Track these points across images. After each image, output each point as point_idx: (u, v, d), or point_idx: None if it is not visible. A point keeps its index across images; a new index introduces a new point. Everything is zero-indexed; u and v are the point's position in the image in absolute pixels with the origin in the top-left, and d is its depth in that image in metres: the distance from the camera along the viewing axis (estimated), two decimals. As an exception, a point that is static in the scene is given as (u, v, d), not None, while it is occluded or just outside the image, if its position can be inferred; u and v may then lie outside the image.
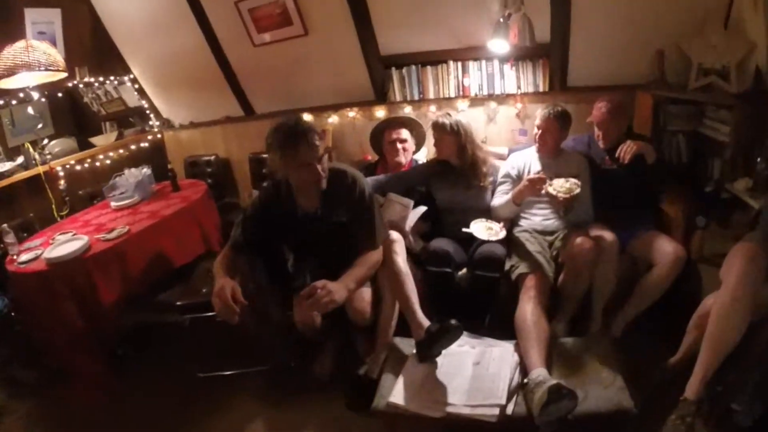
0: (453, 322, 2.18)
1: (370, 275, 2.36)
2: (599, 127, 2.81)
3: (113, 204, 3.55)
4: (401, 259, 2.42)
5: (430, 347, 2.22)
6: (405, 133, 3.14)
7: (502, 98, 3.70)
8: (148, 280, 3.02)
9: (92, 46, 4.27)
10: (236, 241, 2.39)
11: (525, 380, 2.05)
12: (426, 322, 2.27)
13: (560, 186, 2.52)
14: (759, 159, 2.41)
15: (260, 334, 2.46)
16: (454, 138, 2.87)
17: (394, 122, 3.19)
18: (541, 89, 3.61)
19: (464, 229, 2.71)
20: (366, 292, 2.42)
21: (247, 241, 2.37)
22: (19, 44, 3.01)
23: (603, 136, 2.79)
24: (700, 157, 2.90)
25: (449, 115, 2.94)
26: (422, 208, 2.84)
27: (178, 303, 2.74)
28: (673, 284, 2.46)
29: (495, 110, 3.73)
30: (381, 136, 3.19)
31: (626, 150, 2.56)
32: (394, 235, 2.52)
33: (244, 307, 2.08)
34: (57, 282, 2.67)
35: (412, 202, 2.80)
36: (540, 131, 2.83)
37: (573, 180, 2.54)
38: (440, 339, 2.19)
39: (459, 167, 2.94)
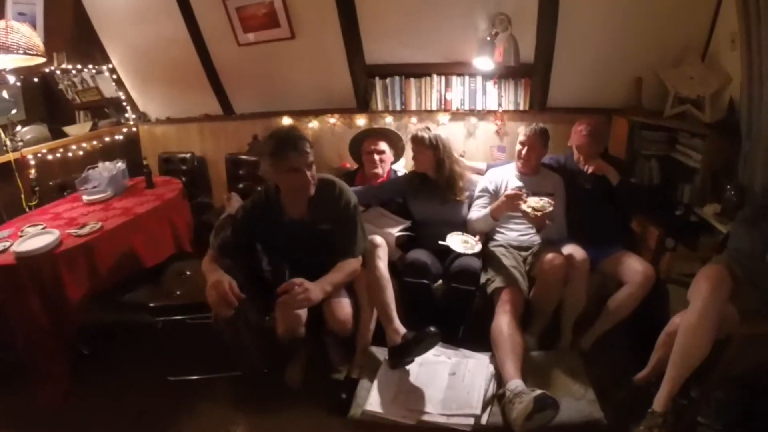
0: (432, 329, 2.22)
1: (346, 282, 2.41)
2: (579, 150, 2.90)
3: (85, 198, 3.45)
4: (383, 264, 2.46)
5: (404, 353, 2.26)
6: (383, 145, 3.16)
7: (483, 114, 3.78)
8: (117, 279, 2.94)
9: (72, 31, 4.16)
10: (225, 242, 2.39)
11: (501, 391, 2.10)
12: (402, 329, 2.31)
13: (534, 203, 2.57)
14: (728, 186, 2.53)
15: (236, 339, 2.41)
16: (432, 152, 2.90)
17: (374, 133, 3.21)
18: (521, 108, 3.70)
19: (441, 242, 2.74)
20: (346, 303, 2.43)
21: (236, 243, 2.39)
22: (-1, 24, 2.91)
23: (584, 159, 2.87)
24: (671, 181, 3.02)
25: (428, 129, 2.99)
26: (407, 222, 2.87)
27: (151, 305, 2.68)
28: (641, 302, 2.56)
29: (475, 125, 3.81)
30: (360, 145, 3.20)
31: (597, 167, 2.75)
32: (378, 239, 2.56)
33: (243, 300, 2.15)
34: (25, 276, 2.57)
35: (407, 224, 2.84)
36: (523, 147, 2.91)
37: (546, 199, 2.59)
38: (417, 346, 2.23)
39: (436, 181, 2.96)
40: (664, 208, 2.94)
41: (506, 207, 2.67)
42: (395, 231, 2.82)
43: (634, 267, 2.61)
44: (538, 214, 2.53)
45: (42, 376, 2.66)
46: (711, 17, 3.01)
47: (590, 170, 2.78)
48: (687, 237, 2.76)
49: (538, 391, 1.95)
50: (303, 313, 2.35)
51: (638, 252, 2.79)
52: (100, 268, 2.82)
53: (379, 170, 3.13)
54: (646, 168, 3.09)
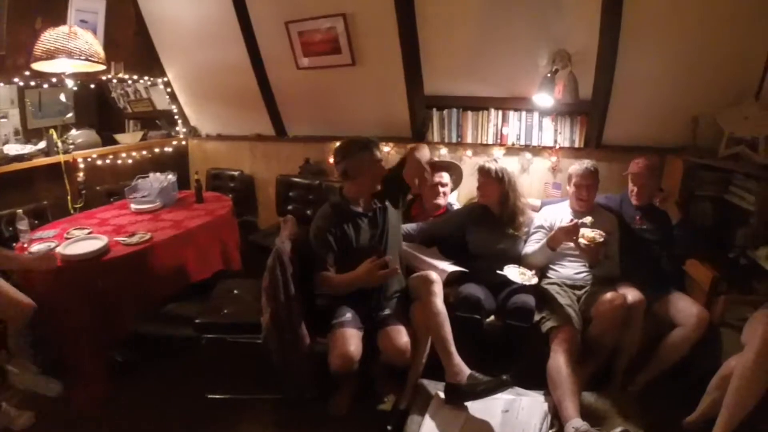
0: (506, 378, 2.23)
1: None
2: (635, 181, 2.88)
3: (133, 206, 3.45)
4: (439, 300, 2.44)
5: (470, 395, 2.25)
6: (446, 177, 3.18)
7: (538, 150, 3.71)
8: (163, 291, 2.94)
9: (131, 43, 4.27)
10: (330, 265, 2.48)
11: (564, 430, 2.14)
12: (466, 369, 2.30)
13: (586, 233, 2.59)
14: None
15: (285, 361, 2.37)
16: (497, 185, 2.87)
17: (438, 166, 3.18)
18: (576, 145, 3.62)
19: (498, 271, 2.69)
20: (404, 332, 2.41)
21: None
22: (63, 29, 2.99)
23: (638, 191, 2.87)
24: (724, 223, 2.94)
25: (495, 161, 2.96)
26: (457, 268, 2.80)
27: (197, 321, 2.63)
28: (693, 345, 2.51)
29: (530, 161, 3.74)
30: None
31: (665, 199, 2.84)
32: (433, 275, 2.53)
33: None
34: (68, 280, 2.55)
35: (449, 271, 2.76)
36: (580, 189, 2.88)
37: (598, 231, 2.59)
38: (489, 392, 2.23)
39: (498, 214, 2.93)
40: (718, 251, 2.85)
41: (563, 236, 2.65)
42: (449, 268, 2.75)
43: (688, 310, 2.56)
44: (591, 245, 2.56)
45: (78, 379, 2.62)
46: (765, 58, 2.96)
47: (659, 203, 2.84)
48: (740, 280, 2.69)
49: (619, 428, 2.07)
50: (359, 348, 2.32)
51: (691, 294, 2.75)
52: (146, 280, 2.79)
53: (441, 201, 3.16)
54: (700, 209, 3.01)
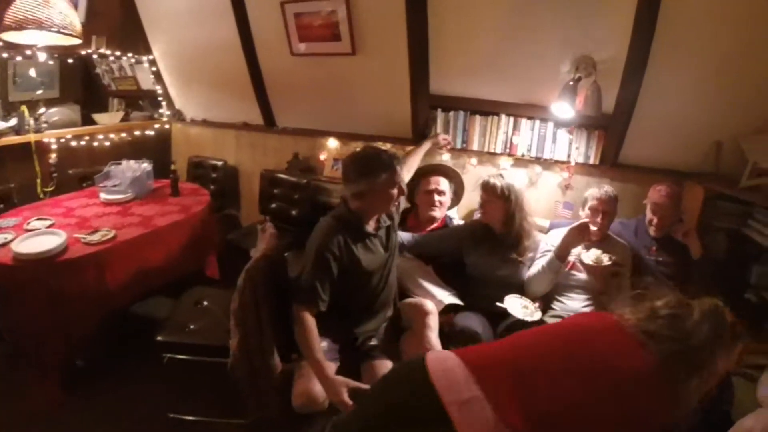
0: None
1: None
2: (656, 211, 2.71)
3: (103, 196, 3.19)
4: (435, 335, 2.23)
5: None
6: (445, 184, 2.88)
7: (549, 164, 3.42)
8: (127, 294, 2.68)
9: (116, 16, 3.98)
10: (320, 300, 2.06)
11: None
12: None
13: (593, 253, 2.50)
14: None
15: (253, 390, 2.12)
16: (503, 203, 2.58)
17: (436, 169, 2.91)
18: (591, 161, 3.32)
19: (498, 304, 2.44)
20: (390, 366, 2.15)
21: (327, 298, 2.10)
22: (36, -4, 2.68)
23: (658, 223, 2.70)
24: (738, 259, 2.78)
25: (502, 176, 2.66)
26: (455, 300, 2.53)
27: (159, 338, 2.35)
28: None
29: (539, 174, 3.44)
30: (418, 181, 2.89)
31: (688, 232, 2.66)
32: (429, 305, 2.31)
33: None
34: (21, 279, 2.34)
35: (446, 303, 2.50)
36: (597, 214, 2.66)
37: (608, 254, 2.48)
38: None
39: (501, 235, 2.64)
40: (733, 290, 2.66)
41: (574, 238, 2.48)
42: (447, 299, 2.48)
43: None
44: (594, 264, 2.46)
45: (33, 381, 2.51)
46: None
47: (680, 235, 2.68)
48: (753, 323, 2.47)
49: None
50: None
51: None
52: (108, 282, 2.56)
53: (437, 213, 2.84)
54: (714, 241, 2.83)
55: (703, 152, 3.05)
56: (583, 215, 2.70)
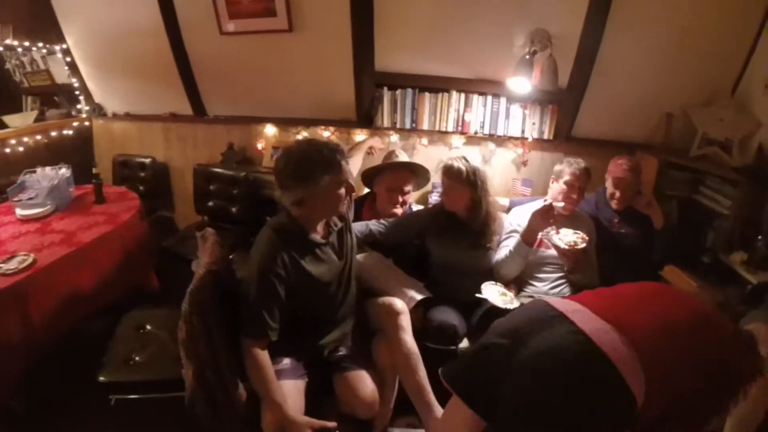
0: None
1: None
2: (617, 185, 2.70)
3: (19, 212, 2.81)
4: (409, 336, 2.09)
5: None
6: (410, 185, 2.66)
7: (503, 140, 3.32)
8: (57, 328, 2.35)
9: (23, 1, 3.51)
10: (270, 329, 1.84)
11: None
12: None
13: (566, 236, 2.41)
14: (760, 237, 2.45)
15: (217, 421, 1.85)
16: (468, 189, 2.41)
17: (404, 167, 2.67)
18: (546, 136, 3.28)
19: (477, 295, 2.34)
20: (367, 378, 2.01)
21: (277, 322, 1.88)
22: None
23: (621, 196, 2.70)
24: (691, 225, 2.90)
25: (465, 159, 2.46)
26: (427, 295, 2.37)
27: (101, 379, 2.06)
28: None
29: (493, 152, 3.35)
30: (380, 176, 2.67)
31: (650, 203, 2.70)
32: (398, 304, 2.15)
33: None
34: None
35: (417, 299, 2.32)
36: (571, 186, 2.56)
37: (581, 233, 2.41)
38: None
39: (466, 222, 2.49)
40: (691, 256, 2.72)
41: (538, 223, 2.40)
42: (417, 295, 2.30)
43: None
44: (568, 248, 2.37)
45: None
46: (744, 59, 2.85)
47: (642, 207, 2.70)
48: (713, 287, 2.53)
49: None
50: (300, 405, 1.85)
51: None
52: (32, 317, 2.21)
53: (399, 211, 2.62)
54: (667, 209, 2.86)
55: (654, 124, 3.14)
56: (556, 189, 2.60)
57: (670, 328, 1.42)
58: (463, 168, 2.39)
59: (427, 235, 2.55)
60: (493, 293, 2.34)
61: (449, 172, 2.42)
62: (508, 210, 2.84)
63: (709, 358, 1.41)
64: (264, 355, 1.80)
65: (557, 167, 2.64)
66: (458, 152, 3.21)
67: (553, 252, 2.53)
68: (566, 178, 2.55)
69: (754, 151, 2.65)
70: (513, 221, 2.64)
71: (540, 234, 2.45)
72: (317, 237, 1.96)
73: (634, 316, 1.46)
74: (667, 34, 2.82)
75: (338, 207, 1.95)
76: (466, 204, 2.45)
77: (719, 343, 1.43)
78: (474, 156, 3.28)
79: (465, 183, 2.40)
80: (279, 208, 1.98)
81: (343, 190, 1.90)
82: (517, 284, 2.57)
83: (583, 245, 2.36)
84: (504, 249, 2.53)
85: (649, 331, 1.40)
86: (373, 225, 2.48)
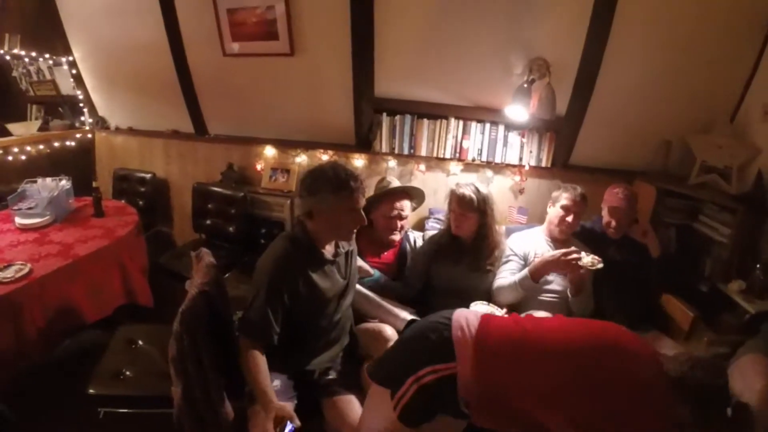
0: None
1: None
2: (613, 214, 2.67)
3: (18, 220, 2.83)
4: None
5: None
6: (408, 207, 2.70)
7: (500, 168, 3.34)
8: (48, 337, 2.34)
9: (32, 13, 3.60)
10: (273, 331, 1.86)
11: None
12: None
13: (584, 257, 2.32)
14: (758, 265, 2.42)
15: None
16: (477, 217, 2.49)
17: (401, 192, 2.70)
18: (543, 164, 3.28)
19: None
20: (356, 404, 1.99)
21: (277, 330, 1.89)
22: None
23: (616, 224, 2.65)
24: (689, 253, 2.86)
25: (475, 187, 2.52)
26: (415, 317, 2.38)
27: (91, 391, 2.06)
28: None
29: (490, 179, 3.35)
30: (377, 204, 2.68)
31: (647, 232, 2.67)
32: (387, 330, 2.20)
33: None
34: None
35: (407, 320, 2.32)
36: (568, 214, 2.58)
37: (593, 255, 2.34)
38: None
39: (470, 246, 2.55)
40: (689, 284, 2.72)
41: (555, 268, 2.36)
42: (408, 316, 2.31)
43: (669, 352, 2.32)
44: (592, 268, 2.30)
45: None
46: (743, 86, 2.83)
47: (638, 235, 2.67)
48: (711, 316, 2.52)
49: None
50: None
51: (668, 333, 2.58)
52: (25, 328, 2.21)
53: (398, 237, 2.68)
54: (665, 237, 2.87)
55: (652, 151, 3.10)
56: (553, 213, 2.62)
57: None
58: (475, 198, 2.47)
59: (434, 261, 2.59)
60: (483, 310, 2.33)
61: (461, 201, 2.49)
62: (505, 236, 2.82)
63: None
64: (262, 360, 1.81)
65: (555, 193, 2.66)
66: (454, 179, 3.24)
67: (556, 282, 2.54)
68: (563, 202, 2.57)
69: (752, 178, 2.63)
70: (513, 247, 2.66)
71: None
72: (327, 254, 1.99)
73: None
74: (666, 62, 2.83)
75: (345, 233, 2.00)
76: (475, 229, 2.52)
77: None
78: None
79: (475, 211, 2.47)
80: (294, 223, 2.06)
81: (350, 218, 1.92)
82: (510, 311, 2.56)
83: (600, 266, 2.33)
84: (505, 276, 2.54)
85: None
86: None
